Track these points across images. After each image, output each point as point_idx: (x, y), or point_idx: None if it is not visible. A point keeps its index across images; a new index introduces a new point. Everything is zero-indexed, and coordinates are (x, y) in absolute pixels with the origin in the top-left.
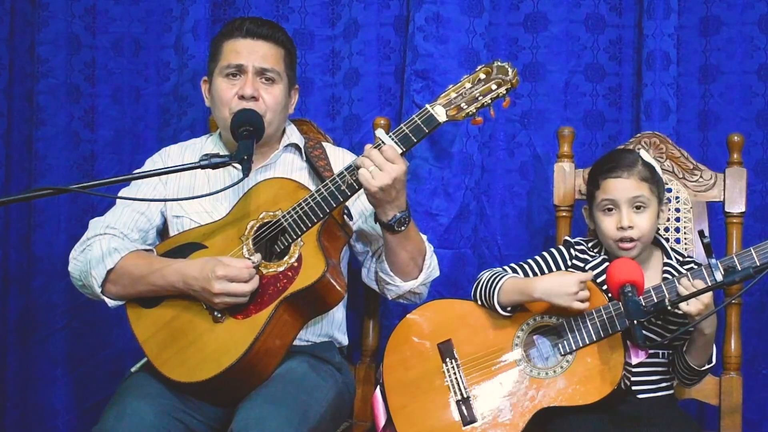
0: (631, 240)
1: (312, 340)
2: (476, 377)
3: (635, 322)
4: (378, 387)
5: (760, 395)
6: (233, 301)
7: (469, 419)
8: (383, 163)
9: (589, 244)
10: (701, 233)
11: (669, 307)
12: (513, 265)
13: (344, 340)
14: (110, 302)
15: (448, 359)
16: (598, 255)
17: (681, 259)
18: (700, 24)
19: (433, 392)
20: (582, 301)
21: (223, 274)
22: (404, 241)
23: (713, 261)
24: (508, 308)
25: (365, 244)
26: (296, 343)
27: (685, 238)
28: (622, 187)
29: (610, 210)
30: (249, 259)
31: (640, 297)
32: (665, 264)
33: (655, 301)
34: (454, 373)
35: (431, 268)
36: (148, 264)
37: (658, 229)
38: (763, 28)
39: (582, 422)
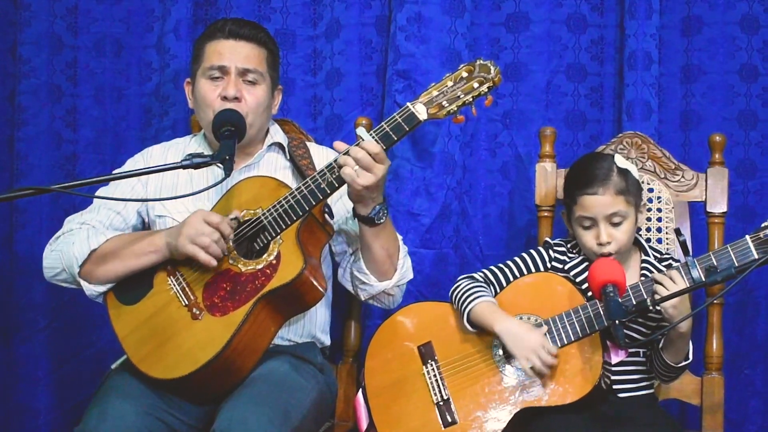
0: (611, 253)
1: (294, 340)
2: (456, 379)
3: (617, 322)
4: (360, 390)
5: (742, 395)
6: (204, 241)
7: (449, 421)
8: (372, 165)
9: (569, 245)
10: (677, 231)
11: (651, 307)
12: (493, 268)
13: (326, 341)
14: (87, 287)
15: (428, 361)
16: (577, 255)
17: (659, 256)
18: (682, 24)
19: (414, 395)
20: (529, 366)
21: (201, 215)
22: (381, 234)
23: (690, 258)
24: (477, 327)
25: (345, 245)
26: (278, 343)
27: (667, 238)
28: (598, 203)
29: (587, 227)
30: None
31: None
32: (643, 261)
33: (633, 300)
34: (435, 375)
35: (405, 268)
36: (132, 236)
37: (639, 228)
38: (745, 28)
39: (563, 422)
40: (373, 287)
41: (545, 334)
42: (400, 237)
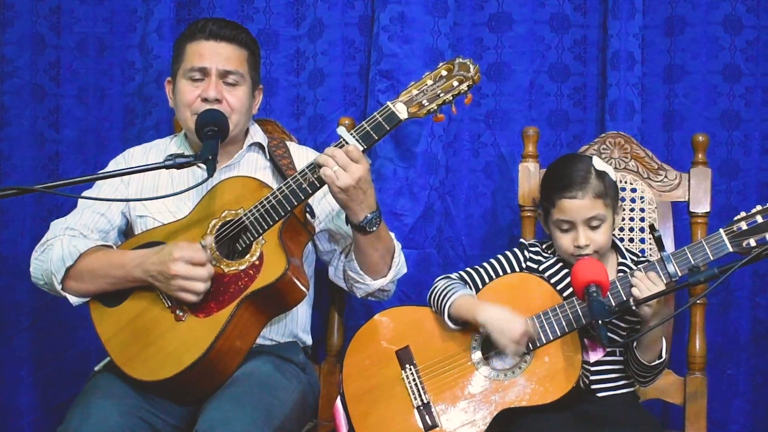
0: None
1: (276, 339)
2: (436, 382)
3: (600, 322)
4: (339, 397)
5: (725, 395)
6: (190, 285)
7: (430, 424)
8: (348, 164)
9: (544, 246)
10: (652, 227)
11: (634, 307)
12: (469, 269)
13: (308, 340)
14: (73, 299)
15: (407, 366)
16: (552, 256)
17: (635, 258)
18: (665, 24)
19: (393, 400)
20: (516, 354)
21: (180, 256)
22: (375, 242)
23: (665, 253)
24: (459, 322)
25: (332, 243)
26: (261, 342)
27: (650, 239)
28: (577, 207)
29: (566, 230)
30: (200, 242)
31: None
32: (620, 264)
33: (612, 299)
34: (414, 380)
35: (399, 265)
36: (108, 257)
37: (622, 228)
38: (728, 28)
39: (544, 422)
40: (368, 286)
41: (527, 320)
42: (392, 234)
